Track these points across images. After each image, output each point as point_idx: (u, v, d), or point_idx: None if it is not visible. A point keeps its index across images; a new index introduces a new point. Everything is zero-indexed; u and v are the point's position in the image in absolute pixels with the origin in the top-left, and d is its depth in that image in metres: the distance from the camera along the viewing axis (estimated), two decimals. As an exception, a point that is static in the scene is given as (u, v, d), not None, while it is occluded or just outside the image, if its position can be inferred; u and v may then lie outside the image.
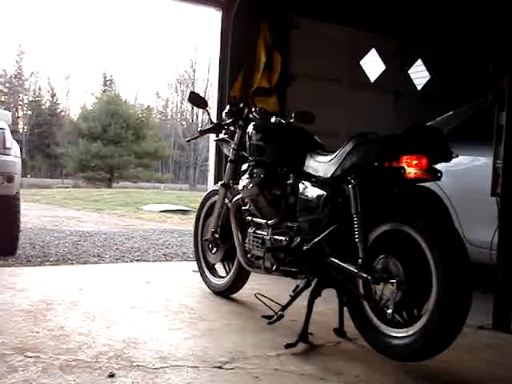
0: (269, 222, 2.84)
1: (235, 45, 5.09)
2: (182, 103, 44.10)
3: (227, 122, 3.36)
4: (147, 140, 32.20)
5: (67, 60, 61.30)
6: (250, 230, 2.99)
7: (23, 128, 39.30)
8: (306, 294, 2.58)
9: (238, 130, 3.25)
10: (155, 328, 2.63)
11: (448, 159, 2.22)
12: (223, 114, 3.44)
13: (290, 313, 2.67)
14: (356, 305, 2.41)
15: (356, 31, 5.71)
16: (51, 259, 4.55)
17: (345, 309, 2.56)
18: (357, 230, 2.29)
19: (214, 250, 3.41)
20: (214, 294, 3.41)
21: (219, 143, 3.70)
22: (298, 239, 2.64)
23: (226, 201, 3.29)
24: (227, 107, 3.42)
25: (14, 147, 4.45)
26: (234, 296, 3.35)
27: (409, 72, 6.43)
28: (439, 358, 2.22)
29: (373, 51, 6.10)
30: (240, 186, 3.04)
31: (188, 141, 5.15)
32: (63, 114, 44.28)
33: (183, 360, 2.19)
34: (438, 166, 2.21)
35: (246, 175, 3.00)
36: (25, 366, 2.02)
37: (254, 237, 2.93)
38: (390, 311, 2.19)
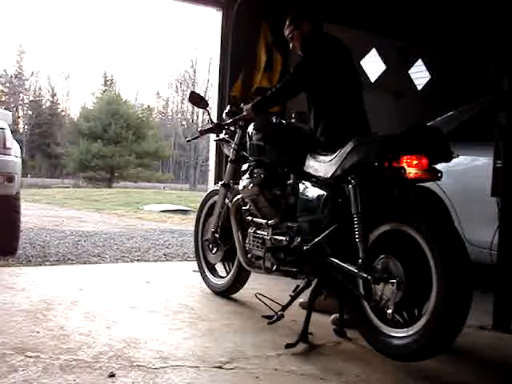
0: (269, 222, 2.84)
1: (235, 45, 5.08)
2: (182, 103, 44.12)
3: (227, 121, 3.35)
4: (147, 140, 32.17)
5: (67, 60, 61.49)
6: (250, 230, 2.99)
7: (23, 128, 39.32)
8: (306, 294, 2.59)
9: (238, 130, 3.25)
10: (155, 328, 2.62)
11: (448, 159, 2.23)
12: (224, 114, 3.44)
13: (290, 313, 2.67)
14: (356, 305, 2.41)
15: (356, 31, 5.69)
16: (51, 259, 4.54)
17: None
18: (357, 230, 2.30)
19: (215, 250, 3.41)
20: (214, 294, 3.41)
21: (219, 143, 3.70)
22: (299, 239, 2.64)
23: (227, 201, 3.29)
24: (228, 107, 3.42)
25: (14, 147, 4.44)
26: (234, 296, 3.35)
27: (409, 72, 6.42)
28: (439, 358, 2.22)
29: (373, 51, 6.09)
30: (240, 186, 3.04)
31: (188, 141, 5.14)
32: (63, 113, 44.33)
33: (183, 360, 2.19)
34: (438, 166, 2.21)
35: (247, 175, 3.00)
36: (25, 365, 2.02)
37: (254, 237, 2.94)
38: (390, 311, 2.18)
